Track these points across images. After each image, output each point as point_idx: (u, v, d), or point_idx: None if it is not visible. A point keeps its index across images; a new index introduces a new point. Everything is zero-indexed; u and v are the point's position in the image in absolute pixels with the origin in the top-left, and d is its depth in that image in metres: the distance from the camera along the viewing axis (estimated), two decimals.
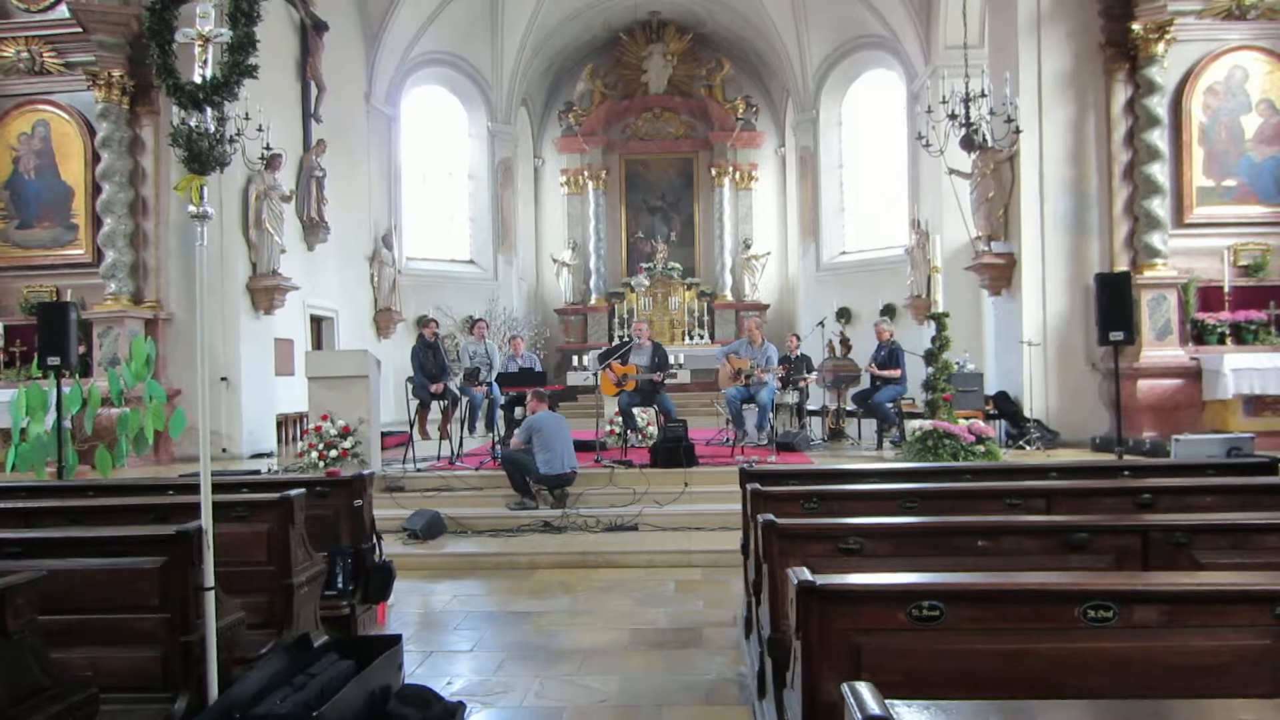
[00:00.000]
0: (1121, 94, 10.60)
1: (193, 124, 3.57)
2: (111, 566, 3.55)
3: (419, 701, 3.98)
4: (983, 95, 9.43)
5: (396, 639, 4.40)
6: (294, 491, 4.46)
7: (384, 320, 16.38)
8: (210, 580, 3.61)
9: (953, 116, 9.40)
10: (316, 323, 14.37)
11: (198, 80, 3.58)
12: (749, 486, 4.49)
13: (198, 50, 3.60)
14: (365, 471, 5.51)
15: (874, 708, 1.49)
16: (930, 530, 3.54)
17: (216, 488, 5.04)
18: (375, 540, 5.48)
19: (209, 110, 3.61)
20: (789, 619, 3.14)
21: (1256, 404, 10.07)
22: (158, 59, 3.57)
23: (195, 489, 5.59)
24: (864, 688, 1.57)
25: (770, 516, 3.47)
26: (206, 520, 3.64)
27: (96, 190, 10.86)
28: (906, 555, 3.38)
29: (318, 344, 14.27)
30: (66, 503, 4.97)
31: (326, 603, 5.01)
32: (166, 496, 5.31)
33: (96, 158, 10.84)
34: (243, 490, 5.08)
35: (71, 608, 3.51)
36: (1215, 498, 4.22)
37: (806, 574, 2.49)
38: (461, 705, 4.03)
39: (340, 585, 5.20)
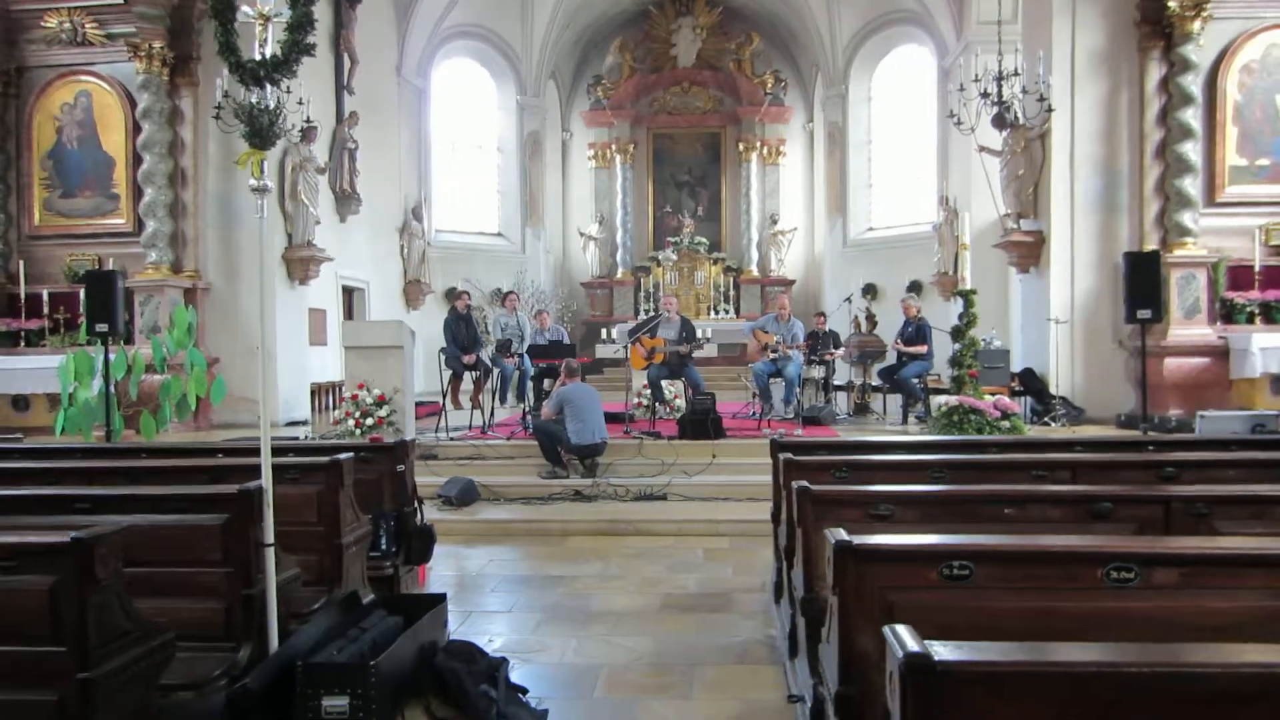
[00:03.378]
0: (1155, 72, 10.53)
1: (254, 100, 3.72)
2: (178, 523, 3.75)
3: (465, 656, 4.17)
4: (1016, 74, 9.42)
5: (442, 597, 4.60)
6: (344, 455, 4.65)
7: (413, 292, 16.59)
8: (270, 537, 3.80)
9: (985, 95, 9.41)
10: (348, 294, 14.60)
11: (258, 58, 3.73)
12: (781, 456, 4.63)
13: (258, 29, 3.74)
14: (407, 438, 5.69)
15: (913, 645, 1.64)
16: (958, 498, 3.67)
17: (284, 450, 5.26)
18: (417, 504, 5.67)
19: (268, 87, 3.76)
20: (826, 578, 3.30)
21: None
22: (220, 37, 3.72)
23: (243, 452, 5.82)
24: (903, 629, 1.72)
25: (805, 483, 3.61)
26: (267, 480, 3.84)
27: (137, 160, 11.07)
28: (935, 522, 3.51)
29: (349, 315, 14.50)
30: (123, 464, 5.21)
31: (371, 563, 5.21)
32: (216, 459, 5.53)
33: (137, 128, 11.04)
34: (289, 454, 5.28)
35: (141, 561, 3.68)
36: (1238, 471, 4.32)
37: (843, 534, 2.64)
38: (504, 660, 4.21)
39: (384, 547, 5.40)
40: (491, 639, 4.82)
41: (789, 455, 4.51)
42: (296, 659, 3.58)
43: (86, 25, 11.06)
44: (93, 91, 11.31)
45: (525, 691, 3.99)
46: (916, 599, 2.56)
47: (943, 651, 1.62)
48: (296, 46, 3.63)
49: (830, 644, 2.76)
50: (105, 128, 11.30)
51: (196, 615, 3.71)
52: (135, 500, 3.88)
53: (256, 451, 5.93)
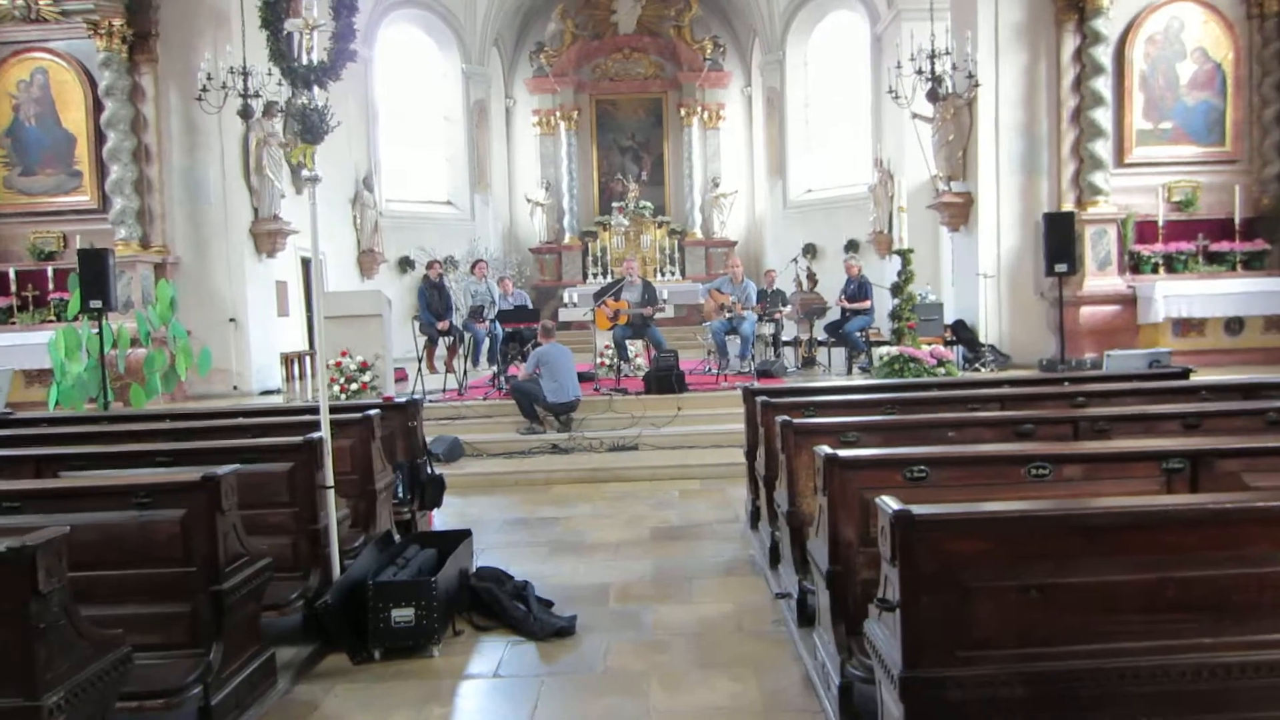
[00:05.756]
0: (1070, 43, 11.44)
1: (303, 101, 4.25)
2: (250, 470, 4.31)
3: (495, 579, 4.85)
4: (947, 53, 10.26)
5: (468, 532, 5.28)
6: (373, 411, 5.24)
7: (367, 261, 16.87)
8: (331, 480, 4.41)
9: (919, 72, 10.23)
10: (305, 265, 14.87)
11: (304, 63, 4.25)
12: (758, 399, 5.36)
13: (304, 37, 4.26)
14: (417, 397, 6.28)
15: (898, 505, 2.38)
16: (911, 425, 4.45)
17: (288, 411, 5.84)
18: (428, 456, 6.28)
19: (315, 89, 4.28)
20: (807, 493, 4.05)
21: (1184, 326, 11.20)
22: (270, 44, 4.23)
23: (261, 413, 6.36)
24: (889, 498, 2.45)
25: (786, 417, 4.35)
26: (325, 431, 4.43)
27: (99, 137, 11.21)
28: (893, 445, 4.26)
29: (308, 286, 14.80)
30: (157, 427, 5.72)
31: (393, 508, 5.83)
32: (237, 420, 6.05)
33: (98, 105, 11.16)
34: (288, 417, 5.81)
35: None
36: (1135, 398, 5.19)
37: (830, 450, 3.38)
38: (528, 583, 4.89)
39: (400, 494, 6.01)
40: (508, 567, 5.48)
41: (765, 399, 5.25)
42: (364, 581, 4.22)
43: (41, 2, 11.09)
44: (49, 69, 11.38)
45: (551, 604, 4.68)
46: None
47: (918, 509, 2.36)
48: (342, 54, 4.16)
49: (820, 537, 3.50)
50: (64, 105, 11.40)
51: (270, 549, 4.30)
52: (209, 453, 4.42)
53: (273, 412, 6.48)
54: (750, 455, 5.86)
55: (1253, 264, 11.58)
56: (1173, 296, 10.99)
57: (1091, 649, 2.41)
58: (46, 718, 2.24)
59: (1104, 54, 11.24)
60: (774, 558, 4.96)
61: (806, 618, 4.08)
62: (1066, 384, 6.02)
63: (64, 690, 2.32)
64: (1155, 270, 11.48)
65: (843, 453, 3.33)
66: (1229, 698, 2.42)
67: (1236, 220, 11.56)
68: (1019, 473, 3.37)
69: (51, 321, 10.84)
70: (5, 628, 2.25)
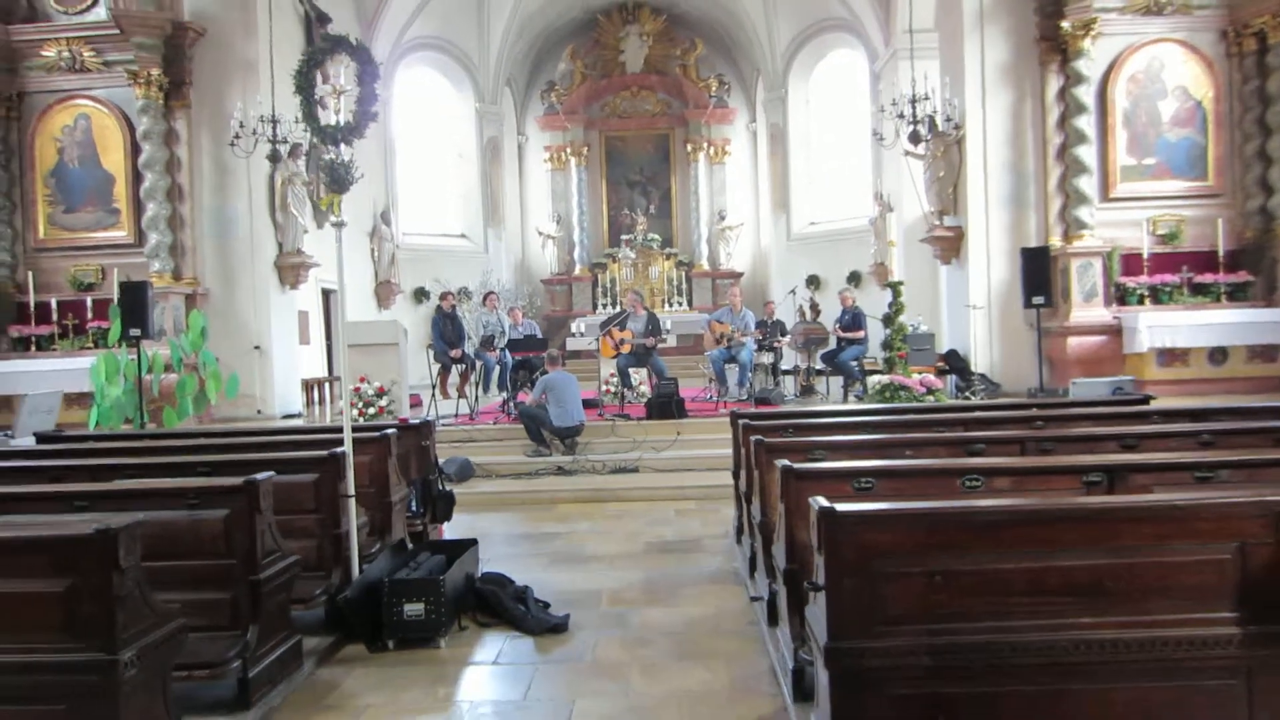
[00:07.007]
0: (1054, 83, 11.98)
1: (330, 156, 4.82)
2: (281, 480, 4.83)
3: (498, 582, 5.35)
4: (926, 98, 10.85)
5: (474, 541, 5.77)
6: (390, 430, 5.77)
7: (384, 292, 17.51)
8: (352, 490, 4.93)
9: (901, 116, 10.81)
10: (326, 296, 15.51)
11: (332, 123, 4.83)
12: (741, 422, 5.86)
13: (331, 101, 4.84)
14: (429, 418, 6.81)
15: (825, 503, 2.86)
16: (872, 444, 4.93)
17: (312, 431, 6.37)
18: (439, 474, 6.80)
19: (342, 146, 4.85)
20: (776, 504, 4.53)
21: (1168, 356, 11.59)
22: (303, 107, 4.81)
23: (289, 431, 6.89)
24: (820, 498, 2.93)
25: (760, 436, 4.84)
26: (348, 447, 4.95)
27: (137, 177, 11.92)
28: (854, 461, 4.75)
29: (327, 316, 15.42)
30: (195, 442, 6.26)
31: (406, 520, 6.34)
32: (268, 438, 6.59)
33: (136, 148, 11.89)
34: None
35: None
36: (1089, 421, 5.65)
37: (787, 463, 3.87)
38: (528, 587, 5.37)
39: (413, 508, 6.52)
40: (512, 574, 5.96)
41: (747, 421, 5.74)
42: (380, 580, 4.72)
43: (84, 54, 11.86)
44: (91, 114, 12.12)
45: (548, 605, 5.17)
46: None
47: (841, 506, 2.85)
48: (365, 115, 4.73)
49: (780, 540, 3.99)
50: (105, 148, 12.13)
51: (297, 550, 4.80)
52: (242, 465, 4.94)
53: (298, 431, 7.01)
54: (736, 474, 6.34)
55: (1237, 295, 11.98)
56: (1157, 327, 11.40)
57: (986, 626, 2.87)
58: (122, 670, 2.76)
59: (1087, 93, 11.75)
60: (752, 566, 5.43)
61: (775, 617, 4.53)
62: (1035, 409, 6.49)
63: (136, 649, 2.84)
64: (1141, 302, 11.89)
65: (798, 465, 3.82)
66: (1103, 668, 2.88)
67: (1220, 252, 11.99)
68: (954, 484, 3.84)
69: (89, 349, 11.47)
70: (92, 595, 2.78)
